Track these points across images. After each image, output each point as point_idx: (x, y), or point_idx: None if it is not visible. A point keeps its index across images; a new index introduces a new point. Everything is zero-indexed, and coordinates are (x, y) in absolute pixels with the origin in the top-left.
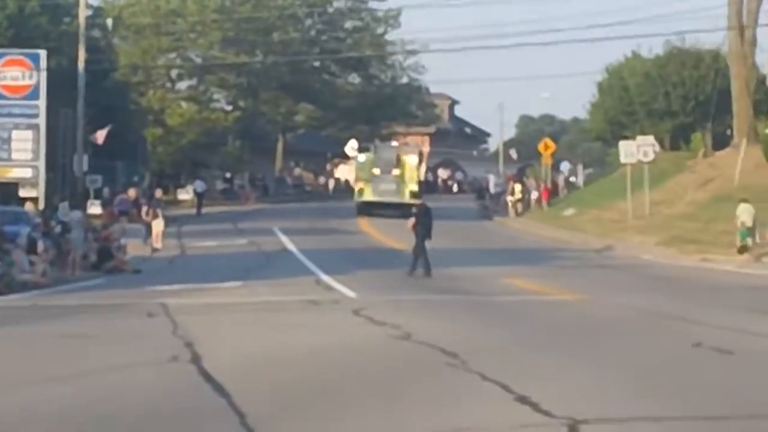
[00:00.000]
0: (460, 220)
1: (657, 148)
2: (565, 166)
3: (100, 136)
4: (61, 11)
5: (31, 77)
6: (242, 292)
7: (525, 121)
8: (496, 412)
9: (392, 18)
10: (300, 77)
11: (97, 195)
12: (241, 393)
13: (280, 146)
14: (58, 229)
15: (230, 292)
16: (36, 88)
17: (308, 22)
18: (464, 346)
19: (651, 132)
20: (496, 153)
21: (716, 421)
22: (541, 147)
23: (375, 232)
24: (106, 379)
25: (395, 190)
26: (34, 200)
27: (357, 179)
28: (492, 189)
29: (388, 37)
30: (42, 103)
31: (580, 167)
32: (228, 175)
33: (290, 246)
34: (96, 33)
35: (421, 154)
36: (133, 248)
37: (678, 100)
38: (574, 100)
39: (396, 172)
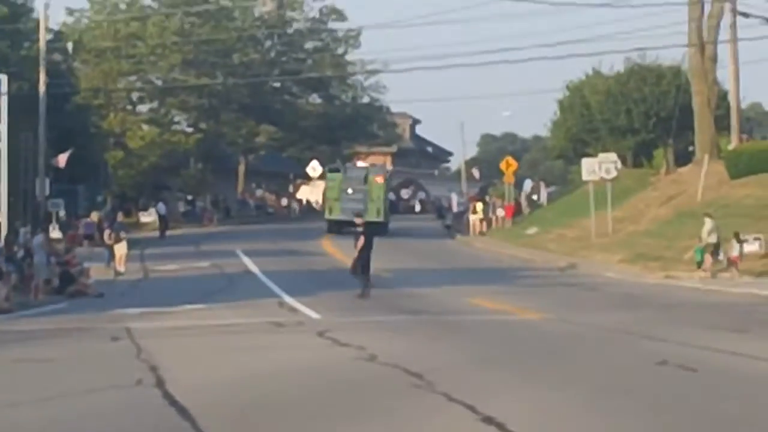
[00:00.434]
0: (423, 239)
1: (619, 165)
2: (527, 185)
3: (62, 159)
4: (21, 36)
5: None
6: (206, 314)
7: (487, 139)
8: None
9: (352, 38)
10: (261, 98)
11: (56, 218)
12: (205, 416)
13: (241, 168)
14: (20, 253)
15: (194, 314)
16: None
17: (268, 43)
18: (429, 367)
19: (613, 149)
20: (459, 172)
21: None
22: (503, 165)
23: (338, 253)
24: (70, 404)
25: (362, 209)
26: None
27: (326, 198)
28: (455, 208)
29: (349, 57)
30: (3, 127)
31: (542, 185)
32: (190, 197)
33: (253, 268)
34: (56, 57)
35: (388, 174)
36: (96, 272)
37: (640, 116)
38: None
39: (364, 191)
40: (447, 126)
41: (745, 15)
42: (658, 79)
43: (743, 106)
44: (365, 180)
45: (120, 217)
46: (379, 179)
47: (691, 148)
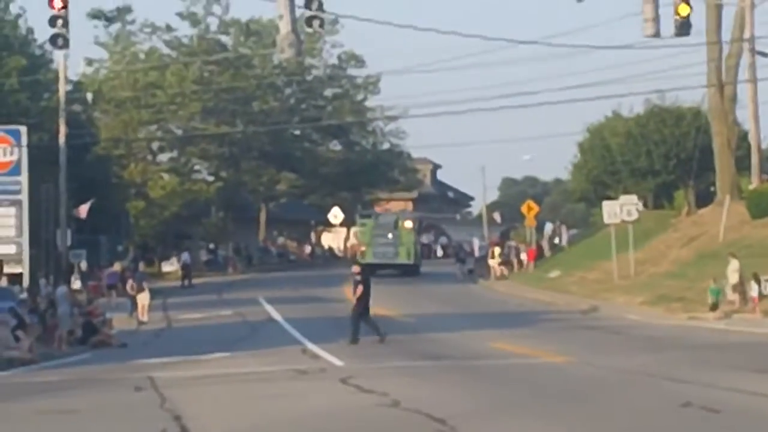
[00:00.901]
0: (445, 284)
1: (640, 207)
2: (548, 228)
3: (83, 210)
4: (40, 87)
5: (12, 153)
6: (229, 363)
7: (508, 183)
8: None
9: (371, 84)
10: (281, 146)
11: (77, 269)
12: None
13: (263, 215)
14: (43, 304)
15: (217, 363)
16: (17, 164)
17: (288, 90)
18: (453, 412)
19: (634, 191)
20: (480, 216)
21: None
22: (524, 209)
23: None
24: None
25: (394, 253)
26: (18, 276)
27: (359, 243)
28: (477, 252)
29: (368, 103)
30: (24, 178)
31: (563, 228)
32: (212, 246)
33: (276, 315)
34: (76, 107)
35: (417, 220)
36: (119, 322)
37: (660, 158)
38: (556, 161)
39: (394, 236)
40: (468, 170)
41: (764, 54)
42: (677, 120)
43: (763, 145)
44: (395, 225)
45: (141, 266)
46: (409, 224)
47: (712, 189)
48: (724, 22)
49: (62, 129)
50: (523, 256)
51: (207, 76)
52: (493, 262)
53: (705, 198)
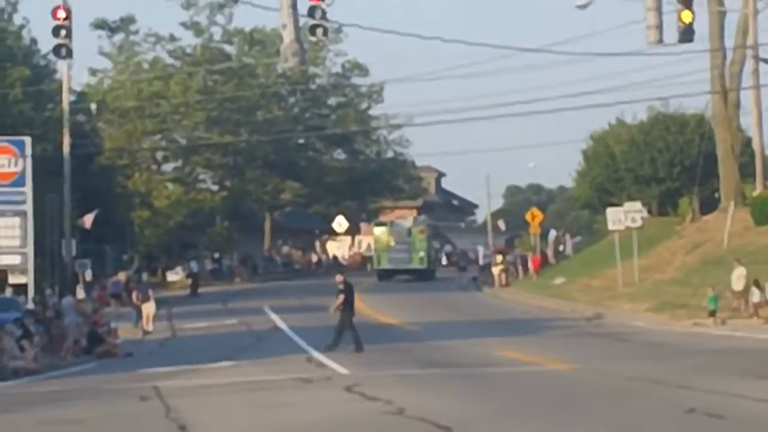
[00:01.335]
0: (449, 292)
1: (644, 214)
2: (551, 235)
3: (88, 220)
4: (44, 98)
5: (16, 164)
6: (234, 372)
7: (512, 191)
8: None
9: (375, 93)
10: (285, 155)
11: (81, 279)
12: None
13: (267, 225)
14: (49, 314)
15: (222, 372)
16: (22, 175)
17: (291, 99)
18: (458, 420)
19: (638, 198)
20: (485, 224)
21: None
22: (528, 217)
23: (365, 307)
24: None
25: (407, 258)
26: (23, 287)
27: (375, 250)
28: (481, 260)
29: (372, 112)
30: (28, 189)
31: (567, 237)
32: (216, 255)
33: (281, 324)
34: (80, 118)
35: (430, 226)
36: (124, 332)
37: (664, 165)
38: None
39: (407, 242)
40: (472, 178)
41: (767, 61)
42: (681, 127)
43: (767, 152)
44: (409, 232)
45: (145, 276)
46: (422, 230)
47: (716, 196)
48: (727, 29)
49: (66, 139)
50: (528, 264)
51: (211, 85)
52: (497, 270)
53: (709, 205)
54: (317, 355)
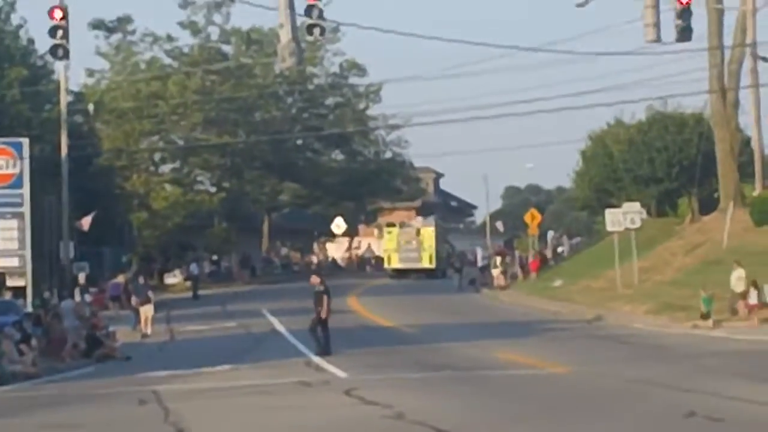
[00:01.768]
0: (447, 294)
1: (644, 214)
2: (549, 235)
3: (86, 222)
4: (41, 98)
5: (14, 166)
6: (233, 375)
7: (511, 192)
8: None
9: (373, 93)
10: (283, 156)
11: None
12: None
13: (266, 226)
14: (49, 318)
15: (221, 376)
16: (20, 177)
17: (289, 99)
18: (459, 423)
19: (637, 198)
20: (483, 225)
21: None
22: (527, 218)
23: (363, 310)
24: None
25: (417, 258)
26: (21, 289)
27: (385, 250)
28: (480, 262)
29: (370, 112)
30: (26, 191)
31: (564, 238)
32: (215, 257)
33: (279, 327)
34: (78, 118)
35: (438, 227)
36: (123, 335)
37: (662, 165)
38: (558, 169)
39: (416, 243)
40: (471, 179)
41: (766, 60)
42: (680, 127)
43: (766, 151)
44: (417, 232)
45: (142, 279)
46: (430, 231)
47: (715, 196)
48: (726, 27)
49: (64, 140)
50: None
51: (208, 85)
52: (496, 272)
53: (708, 205)
54: (316, 358)
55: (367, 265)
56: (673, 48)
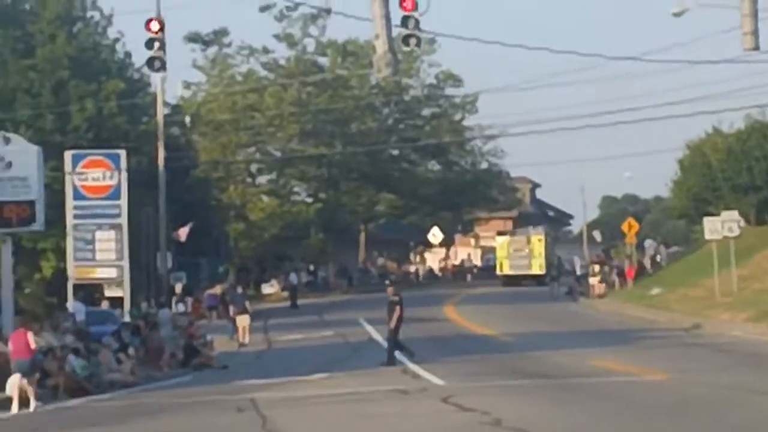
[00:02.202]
0: (543, 303)
1: (742, 223)
2: (647, 244)
3: (183, 233)
4: (138, 111)
5: (112, 177)
6: (330, 383)
7: (608, 201)
8: None
9: (469, 104)
10: (379, 166)
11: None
12: None
13: (362, 236)
14: (147, 328)
15: (317, 384)
16: (117, 188)
17: (385, 111)
18: (555, 430)
19: (735, 207)
20: (580, 235)
21: None
22: (624, 227)
23: (461, 319)
24: None
25: (527, 265)
26: (119, 299)
27: (497, 258)
28: (578, 271)
29: (466, 122)
30: (124, 202)
31: (662, 247)
32: (312, 267)
33: (376, 336)
34: (175, 131)
35: (548, 234)
36: (220, 344)
37: (761, 174)
38: (656, 179)
39: (527, 250)
40: (567, 189)
41: None
42: None
43: None
44: (528, 240)
45: (240, 289)
46: (539, 238)
47: None
48: None
49: (161, 152)
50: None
51: (305, 97)
52: (594, 280)
53: None
54: (412, 366)
55: (468, 274)
56: None
